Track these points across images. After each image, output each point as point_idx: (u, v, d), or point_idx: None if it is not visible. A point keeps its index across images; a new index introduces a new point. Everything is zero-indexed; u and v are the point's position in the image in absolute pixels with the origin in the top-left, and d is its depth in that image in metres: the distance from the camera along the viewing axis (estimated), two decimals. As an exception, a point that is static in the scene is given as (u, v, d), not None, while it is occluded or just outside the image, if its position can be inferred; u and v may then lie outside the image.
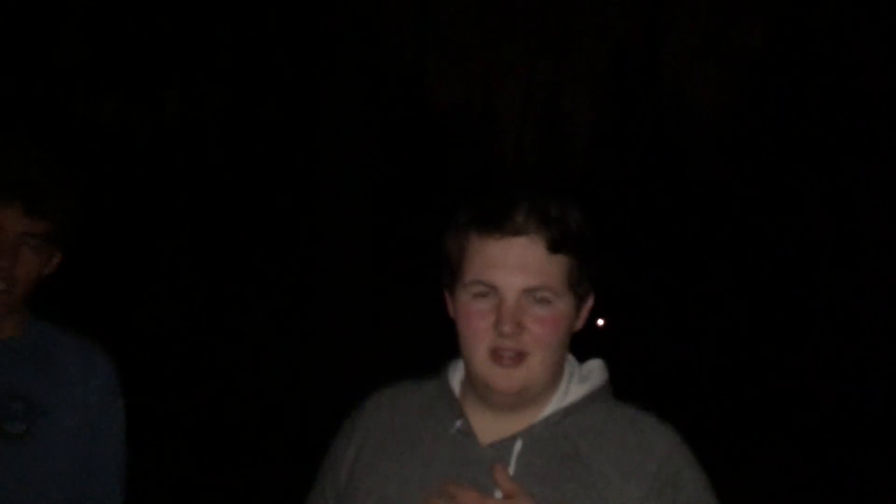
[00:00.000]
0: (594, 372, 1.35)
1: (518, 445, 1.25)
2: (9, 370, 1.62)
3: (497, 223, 1.25)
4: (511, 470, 1.23)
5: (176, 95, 9.08)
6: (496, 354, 1.24)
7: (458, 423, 1.28)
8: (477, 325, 1.24)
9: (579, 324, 1.31)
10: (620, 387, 1.36)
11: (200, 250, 8.63)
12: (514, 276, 1.23)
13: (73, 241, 1.65)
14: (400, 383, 1.41)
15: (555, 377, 1.30)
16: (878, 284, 9.87)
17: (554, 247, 1.24)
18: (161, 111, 8.83)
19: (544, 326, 1.24)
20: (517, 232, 1.24)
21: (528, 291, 1.23)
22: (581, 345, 1.37)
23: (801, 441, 6.82)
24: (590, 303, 1.33)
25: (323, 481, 1.40)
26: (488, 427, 1.28)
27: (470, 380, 1.30)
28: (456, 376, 1.35)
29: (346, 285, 7.46)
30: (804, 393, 8.62)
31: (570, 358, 1.35)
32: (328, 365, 6.66)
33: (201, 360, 5.79)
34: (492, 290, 1.24)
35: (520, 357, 1.24)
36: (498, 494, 1.21)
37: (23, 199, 1.51)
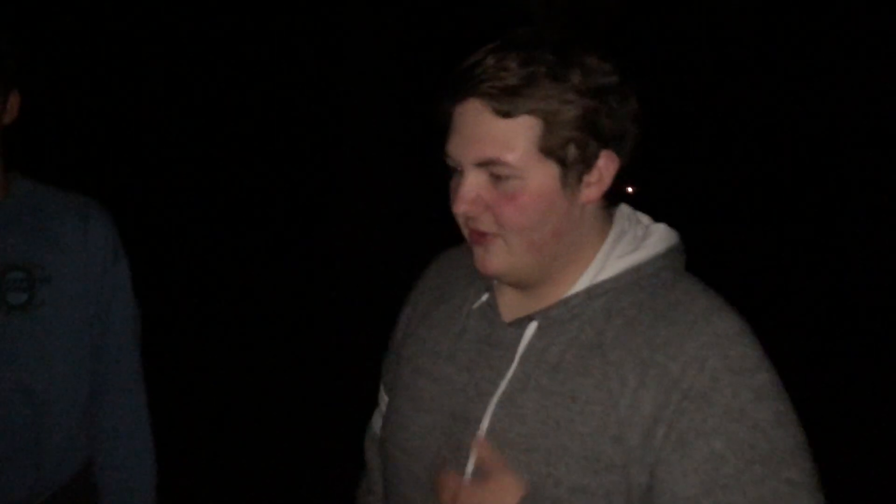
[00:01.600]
0: (650, 240, 1.14)
1: (532, 328, 1.11)
2: (4, 238, 1.55)
3: (455, 84, 1.06)
4: (519, 353, 1.11)
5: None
6: (469, 235, 1.12)
7: (485, 297, 1.18)
8: (452, 203, 1.10)
9: (591, 193, 1.08)
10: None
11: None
12: (464, 147, 1.06)
13: (22, 80, 1.56)
14: (459, 247, 1.27)
15: (568, 254, 1.11)
16: None
17: (501, 110, 1.03)
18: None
19: (507, 206, 1.05)
20: (468, 94, 1.04)
21: (482, 165, 1.06)
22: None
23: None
24: (607, 165, 1.08)
25: (393, 339, 1.34)
26: (513, 303, 1.15)
27: None
28: None
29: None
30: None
31: (625, 221, 1.16)
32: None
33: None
34: (457, 165, 1.09)
35: (484, 238, 1.09)
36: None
37: None
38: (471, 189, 1.07)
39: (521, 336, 1.12)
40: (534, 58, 1.03)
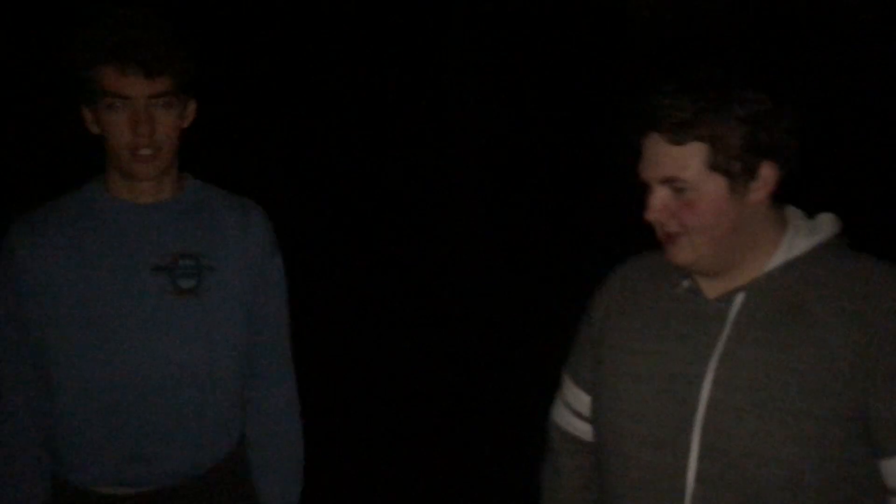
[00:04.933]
0: (823, 225, 1.39)
1: (741, 297, 1.35)
2: (176, 229, 1.69)
3: (638, 119, 1.33)
4: (731, 317, 1.35)
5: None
6: (661, 236, 1.38)
7: (686, 283, 1.40)
8: (645, 212, 1.37)
9: (758, 196, 1.33)
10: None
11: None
12: (649, 169, 1.34)
13: (202, 87, 1.70)
14: (640, 254, 1.54)
15: (748, 244, 1.35)
16: None
17: (674, 140, 1.29)
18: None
19: (688, 212, 1.32)
20: (648, 128, 1.32)
21: (664, 182, 1.32)
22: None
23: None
24: (769, 173, 1.32)
25: (579, 337, 1.58)
26: (712, 285, 1.38)
27: None
28: None
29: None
30: None
31: (796, 213, 1.41)
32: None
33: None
34: (647, 182, 1.35)
35: (673, 237, 1.35)
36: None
37: (140, 64, 1.55)
38: (657, 201, 1.34)
39: (729, 306, 1.35)
40: (700, 95, 1.29)
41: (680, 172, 1.30)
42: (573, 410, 1.58)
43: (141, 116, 1.57)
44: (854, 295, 1.30)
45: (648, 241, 1.45)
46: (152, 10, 1.64)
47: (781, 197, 1.39)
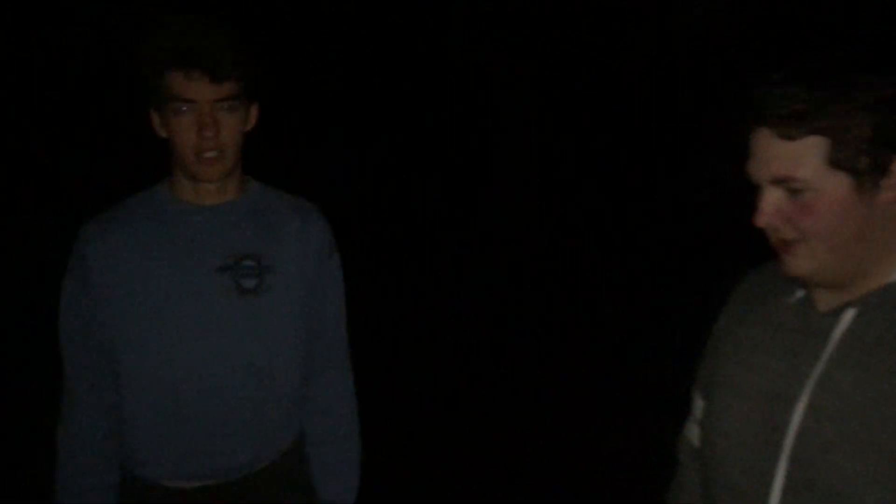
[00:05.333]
0: None
1: (851, 313, 1.20)
2: (238, 230, 1.73)
3: (747, 113, 1.19)
4: (837, 335, 1.20)
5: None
6: (775, 244, 1.23)
7: (799, 294, 1.28)
8: (755, 217, 1.22)
9: (890, 195, 1.15)
10: None
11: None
12: (759, 168, 1.19)
13: (264, 91, 1.75)
14: (770, 262, 1.39)
15: (877, 251, 1.19)
16: None
17: (786, 134, 1.15)
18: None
19: (805, 216, 1.17)
20: (758, 123, 1.18)
21: (777, 182, 1.18)
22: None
23: None
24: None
25: (705, 348, 1.46)
26: (827, 298, 1.24)
27: None
28: None
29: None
30: None
31: None
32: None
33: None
34: (757, 183, 1.22)
35: (789, 245, 1.20)
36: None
37: (206, 70, 1.59)
38: (769, 204, 1.19)
39: (837, 322, 1.20)
40: (819, 83, 1.13)
41: (795, 171, 1.15)
42: (698, 421, 1.46)
43: (206, 120, 1.62)
44: None
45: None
46: (218, 16, 1.68)
47: None
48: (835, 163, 1.14)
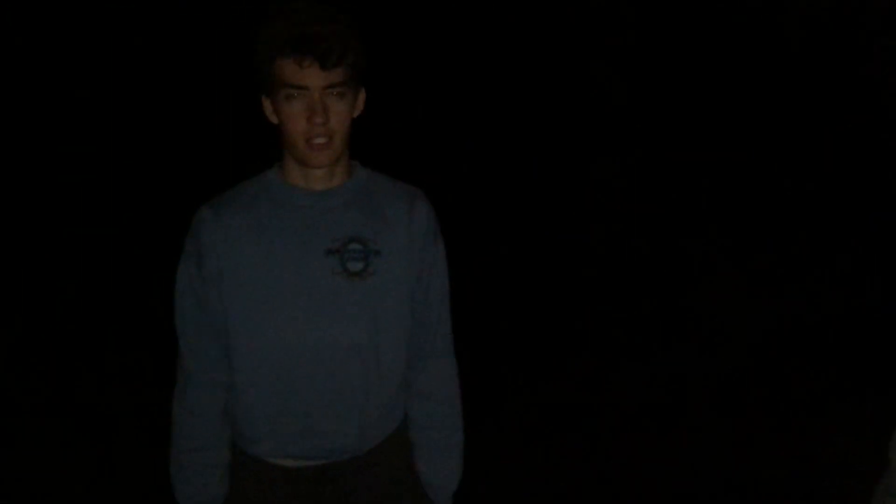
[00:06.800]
0: None
1: None
2: (345, 214, 1.76)
3: None
4: None
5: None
6: None
7: None
8: None
9: None
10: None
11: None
12: None
13: (371, 76, 1.76)
14: None
15: None
16: None
17: None
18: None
19: None
20: None
21: None
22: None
23: None
24: None
25: None
26: None
27: None
28: None
29: None
30: None
31: None
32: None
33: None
34: None
35: None
36: None
37: (316, 57, 1.62)
38: None
39: None
40: None
41: None
42: None
43: (316, 106, 1.65)
44: None
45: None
46: (329, 4, 1.71)
47: None
48: None
